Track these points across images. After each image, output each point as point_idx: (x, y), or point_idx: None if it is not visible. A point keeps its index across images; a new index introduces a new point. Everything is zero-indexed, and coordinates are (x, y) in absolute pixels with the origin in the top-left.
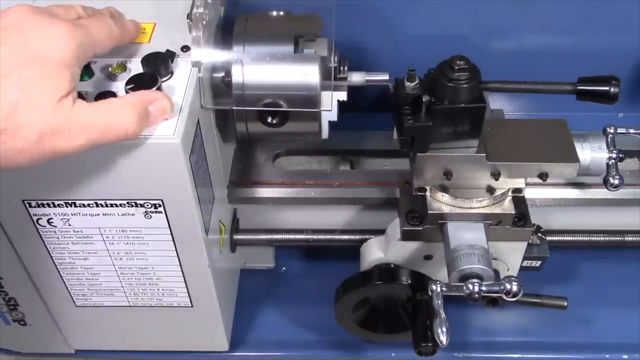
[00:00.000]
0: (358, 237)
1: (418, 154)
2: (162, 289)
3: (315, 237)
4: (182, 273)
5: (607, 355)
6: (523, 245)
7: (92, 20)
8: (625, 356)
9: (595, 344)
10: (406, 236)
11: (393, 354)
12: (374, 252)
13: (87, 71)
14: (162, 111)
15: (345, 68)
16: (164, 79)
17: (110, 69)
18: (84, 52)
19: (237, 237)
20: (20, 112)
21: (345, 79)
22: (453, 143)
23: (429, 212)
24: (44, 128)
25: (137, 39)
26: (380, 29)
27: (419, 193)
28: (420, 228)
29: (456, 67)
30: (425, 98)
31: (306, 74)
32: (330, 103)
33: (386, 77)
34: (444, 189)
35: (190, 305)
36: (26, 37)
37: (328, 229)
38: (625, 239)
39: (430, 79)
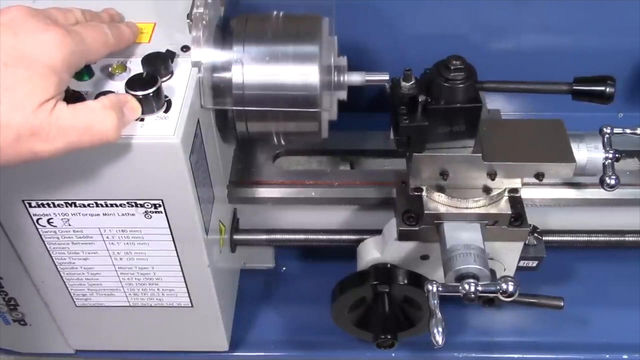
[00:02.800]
0: (358, 237)
1: (414, 154)
2: (162, 289)
3: (315, 237)
4: (182, 273)
5: (607, 355)
6: (519, 245)
7: (88, 28)
8: (625, 356)
9: (595, 344)
10: (402, 236)
11: (393, 354)
12: (371, 252)
13: (87, 71)
14: (133, 113)
15: (345, 68)
16: (164, 79)
17: (110, 68)
18: (76, 59)
19: (237, 237)
20: (0, 111)
21: (344, 79)
22: (449, 143)
23: (425, 212)
24: (23, 129)
25: (137, 39)
26: (380, 29)
27: (416, 193)
28: (417, 228)
29: (452, 67)
30: (421, 98)
31: (306, 74)
32: (330, 103)
33: (386, 77)
34: (441, 189)
35: (190, 305)
36: (18, 39)
37: (328, 229)
38: (624, 239)
39: (427, 79)
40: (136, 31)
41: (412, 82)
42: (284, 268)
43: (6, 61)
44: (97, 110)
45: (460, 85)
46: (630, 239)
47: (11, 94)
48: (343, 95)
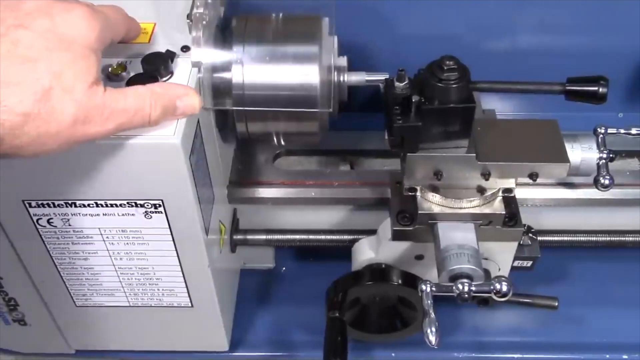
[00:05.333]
0: (358, 237)
1: (408, 154)
2: (162, 289)
3: (315, 237)
4: (182, 273)
5: (607, 356)
6: (514, 245)
7: (106, 7)
8: (625, 356)
9: (594, 343)
10: (397, 236)
11: (393, 354)
12: (366, 252)
13: None
14: (189, 108)
15: (345, 68)
16: (164, 79)
17: (110, 69)
18: (104, 36)
19: (237, 237)
20: (53, 97)
21: (344, 79)
22: (443, 143)
23: (420, 212)
24: (78, 113)
25: (137, 39)
26: (380, 29)
27: (410, 193)
28: (411, 228)
29: (445, 67)
30: (415, 98)
31: (306, 74)
32: (330, 103)
33: (386, 77)
34: (435, 189)
35: (190, 305)
36: (53, 22)
37: (328, 229)
38: (621, 239)
39: (420, 79)
40: (139, 26)
41: (406, 82)
42: (284, 268)
43: (47, 45)
44: (145, 96)
45: (454, 86)
46: (628, 239)
47: (61, 79)
48: (343, 95)
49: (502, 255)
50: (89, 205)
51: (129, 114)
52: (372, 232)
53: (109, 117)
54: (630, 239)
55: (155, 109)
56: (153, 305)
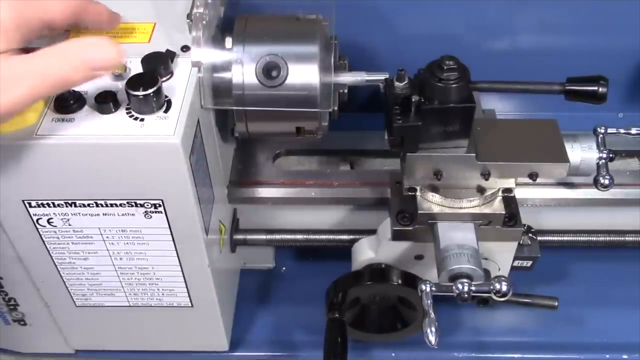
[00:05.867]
0: (358, 237)
1: (408, 154)
2: (162, 289)
3: (315, 237)
4: (182, 273)
5: (607, 356)
6: (513, 245)
7: None
8: (625, 356)
9: (594, 343)
10: (397, 236)
11: (393, 354)
12: (365, 252)
13: None
14: (105, 59)
15: (346, 65)
16: (164, 79)
17: None
18: (25, 16)
19: (237, 237)
20: None
21: (345, 79)
22: (443, 143)
23: (419, 212)
24: None
25: (137, 39)
26: (381, 28)
27: (410, 193)
28: (411, 228)
29: (445, 67)
30: (414, 98)
31: (306, 74)
32: (330, 102)
33: (386, 77)
34: (435, 189)
35: (190, 305)
36: None
37: (328, 229)
38: (622, 239)
39: (420, 79)
40: (117, 18)
41: (406, 82)
42: (284, 268)
43: None
44: (49, 56)
45: (454, 86)
46: (628, 239)
47: None
48: (343, 95)
49: (502, 255)
50: (89, 205)
51: (38, 75)
52: (372, 232)
53: (16, 82)
54: (630, 239)
55: (65, 65)
56: (153, 305)
